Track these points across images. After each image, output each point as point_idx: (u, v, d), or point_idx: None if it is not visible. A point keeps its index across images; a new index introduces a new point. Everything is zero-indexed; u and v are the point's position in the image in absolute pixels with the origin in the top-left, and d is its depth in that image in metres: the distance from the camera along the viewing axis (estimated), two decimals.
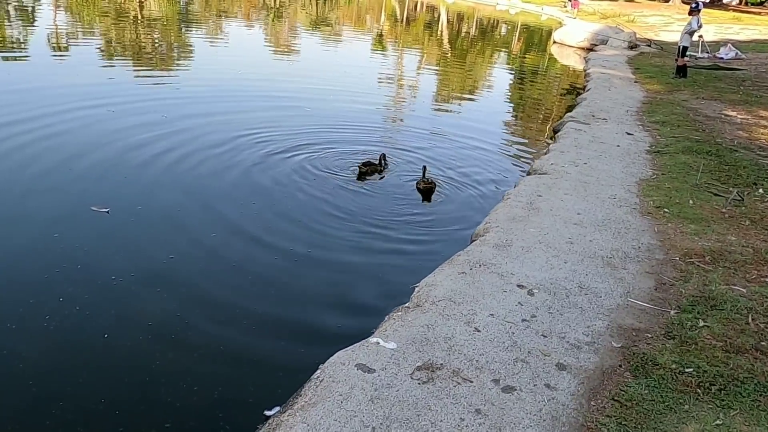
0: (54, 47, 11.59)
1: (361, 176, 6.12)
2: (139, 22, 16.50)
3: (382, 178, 6.24)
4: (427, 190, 5.94)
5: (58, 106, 7.36)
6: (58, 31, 13.33)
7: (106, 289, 3.80)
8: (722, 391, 2.83)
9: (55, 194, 5.08)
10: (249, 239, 4.70)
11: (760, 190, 5.90)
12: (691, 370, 2.98)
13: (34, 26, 13.46)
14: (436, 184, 6.05)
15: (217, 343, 3.41)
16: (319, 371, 2.78)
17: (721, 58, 17.29)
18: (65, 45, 12.01)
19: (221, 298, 3.89)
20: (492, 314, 3.38)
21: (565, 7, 36.14)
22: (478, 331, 3.20)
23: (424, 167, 6.04)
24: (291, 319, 3.75)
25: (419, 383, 2.72)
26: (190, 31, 16.39)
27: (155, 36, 14.47)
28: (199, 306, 3.77)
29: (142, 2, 21.42)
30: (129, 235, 4.54)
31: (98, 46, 12.20)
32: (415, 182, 6.06)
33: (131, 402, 2.95)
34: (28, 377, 3.01)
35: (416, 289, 3.69)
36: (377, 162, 6.28)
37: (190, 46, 13.91)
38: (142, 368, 3.17)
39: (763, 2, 50.81)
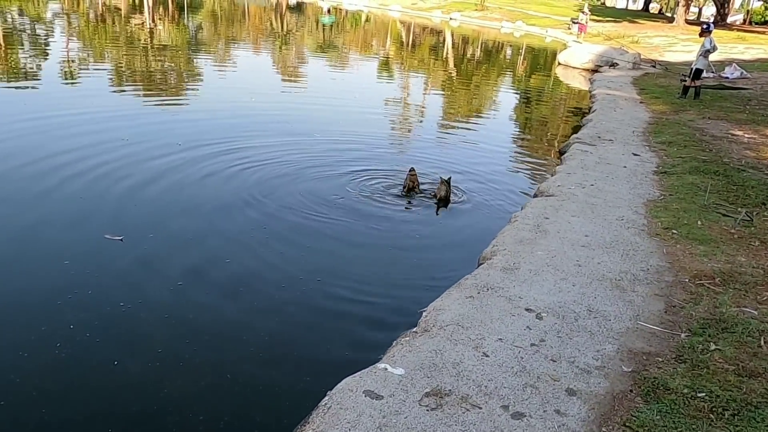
0: (66, 75, 11.82)
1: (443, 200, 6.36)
2: (150, 49, 16.83)
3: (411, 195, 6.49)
4: (443, 198, 6.32)
5: (70, 134, 7.49)
6: (70, 58, 13.60)
7: (116, 316, 3.82)
8: (736, 417, 2.79)
9: (68, 222, 5.14)
10: (258, 265, 4.73)
11: None
12: (704, 394, 2.94)
13: (46, 54, 13.74)
14: (449, 194, 6.39)
15: (224, 371, 3.41)
16: (326, 398, 2.77)
17: (727, 78, 17.36)
18: (77, 73, 12.23)
19: (229, 324, 3.90)
20: (500, 339, 3.36)
21: (569, 29, 36.50)
22: (487, 356, 3.18)
23: (447, 180, 6.39)
24: (298, 346, 3.75)
25: (427, 410, 2.70)
26: (202, 58, 16.67)
27: (168, 63, 14.72)
28: (207, 333, 3.77)
29: (153, 30, 21.86)
30: (140, 262, 4.56)
31: (110, 74, 12.43)
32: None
33: (139, 430, 2.94)
34: (40, 404, 3.02)
35: (424, 313, 3.68)
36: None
37: (203, 73, 14.14)
38: (150, 396, 3.17)
39: (767, 22, 51.09)
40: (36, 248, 4.63)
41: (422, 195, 6.49)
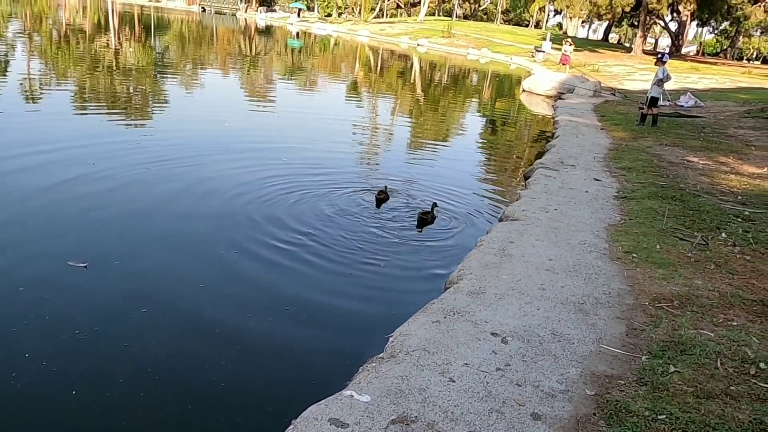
0: (28, 97, 11.54)
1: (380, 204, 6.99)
2: (116, 71, 16.59)
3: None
4: (421, 221, 6.52)
5: (34, 156, 7.30)
6: (32, 80, 13.30)
7: (75, 345, 3.70)
8: None
9: (28, 248, 4.96)
10: (222, 293, 4.65)
11: (723, 235, 6.09)
12: (664, 417, 3.00)
13: (5, 74, 13.41)
14: (434, 217, 6.66)
15: (186, 401, 3.33)
16: (291, 427, 2.72)
17: (682, 106, 18.09)
18: (39, 94, 11.96)
19: (191, 353, 3.81)
20: (466, 363, 3.37)
21: (533, 57, 37.59)
22: (453, 381, 3.18)
23: (434, 204, 6.79)
24: (263, 374, 3.69)
25: None
26: (170, 80, 16.50)
27: (135, 85, 14.53)
28: (169, 362, 3.68)
29: (119, 51, 21.60)
30: (103, 290, 4.44)
31: (74, 96, 12.19)
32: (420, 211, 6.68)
33: None
34: None
35: (390, 339, 3.68)
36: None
37: (171, 95, 13.99)
38: (109, 426, 3.07)
39: (718, 53, 53.70)
40: None
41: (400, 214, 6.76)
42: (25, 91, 11.90)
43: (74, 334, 3.79)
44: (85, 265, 4.69)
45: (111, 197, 6.32)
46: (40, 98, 11.59)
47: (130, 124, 10.21)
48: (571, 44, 28.23)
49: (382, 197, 7.12)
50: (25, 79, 13.15)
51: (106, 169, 7.17)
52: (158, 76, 16.92)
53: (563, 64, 27.92)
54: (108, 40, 25.15)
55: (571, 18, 57.71)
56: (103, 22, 36.47)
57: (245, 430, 3.16)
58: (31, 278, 4.44)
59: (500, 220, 6.62)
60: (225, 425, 3.18)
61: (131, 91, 13.77)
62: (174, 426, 3.13)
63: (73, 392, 3.27)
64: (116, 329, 3.93)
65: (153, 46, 26.45)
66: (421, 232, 6.38)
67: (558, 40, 45.97)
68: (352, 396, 2.95)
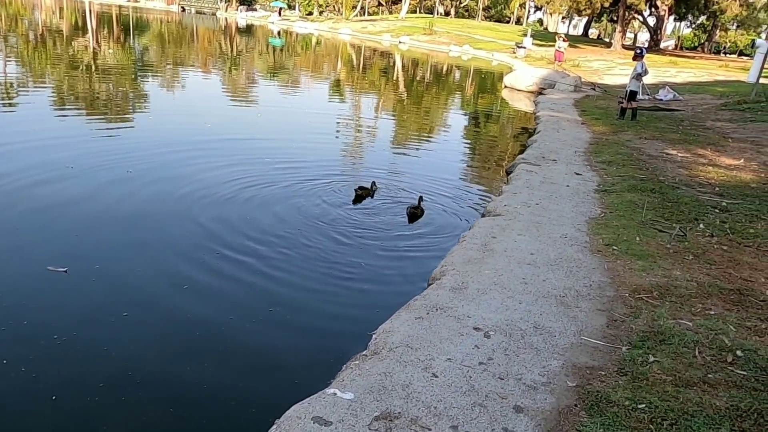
0: (4, 98, 11.34)
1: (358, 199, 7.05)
2: (95, 72, 16.37)
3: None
4: (412, 215, 6.69)
5: (12, 161, 7.18)
6: (8, 81, 13.08)
7: (54, 350, 3.65)
8: (674, 426, 2.90)
9: (6, 254, 4.89)
10: (203, 294, 4.62)
11: (701, 226, 6.19)
12: (644, 406, 3.04)
13: None
14: (423, 210, 6.80)
15: (168, 405, 3.30)
16: (274, 427, 2.72)
17: (661, 100, 18.33)
18: (16, 96, 11.77)
19: (172, 357, 3.78)
20: (449, 359, 3.39)
21: (514, 53, 37.82)
22: (436, 376, 3.20)
23: (420, 197, 6.93)
24: (245, 375, 3.68)
25: None
26: (152, 82, 16.31)
27: (115, 87, 14.34)
28: (150, 365, 3.65)
29: (97, 52, 21.32)
30: (84, 294, 4.39)
31: (53, 98, 12.01)
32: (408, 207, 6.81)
33: None
34: None
35: (374, 336, 3.68)
36: (369, 188, 7.09)
37: (152, 96, 13.84)
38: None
39: (696, 47, 54.46)
40: None
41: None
42: (1, 93, 11.69)
43: (53, 339, 3.75)
44: (65, 270, 4.63)
45: (91, 200, 6.25)
46: (17, 100, 11.39)
47: (110, 126, 10.08)
48: (564, 40, 27.98)
49: (361, 193, 7.10)
50: (0, 80, 12.92)
51: (85, 172, 7.08)
52: (138, 77, 16.73)
53: (557, 61, 27.79)
54: (86, 41, 24.80)
55: (551, 14, 58.12)
56: (80, 23, 35.96)
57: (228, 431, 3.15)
58: (10, 284, 4.39)
59: (482, 215, 6.66)
60: (208, 427, 3.17)
61: (111, 92, 13.60)
62: (156, 429, 3.11)
63: (53, 398, 3.24)
64: (97, 334, 3.89)
65: (132, 47, 26.14)
66: (411, 225, 6.46)
67: (539, 36, 46.28)
68: (336, 394, 2.95)
